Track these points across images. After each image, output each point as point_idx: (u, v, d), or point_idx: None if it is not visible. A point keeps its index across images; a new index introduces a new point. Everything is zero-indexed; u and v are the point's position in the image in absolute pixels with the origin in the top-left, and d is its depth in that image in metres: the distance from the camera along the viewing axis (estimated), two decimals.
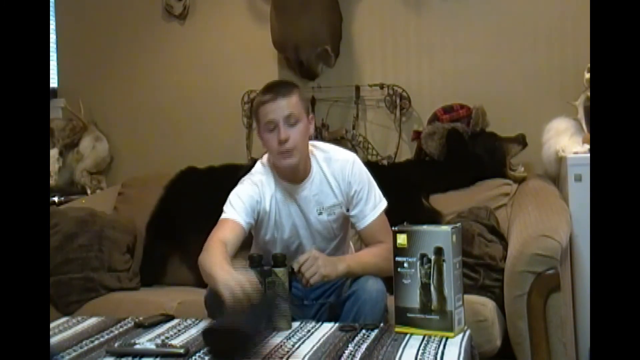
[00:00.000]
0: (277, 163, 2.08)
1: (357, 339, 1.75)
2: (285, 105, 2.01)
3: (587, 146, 2.61)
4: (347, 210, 2.12)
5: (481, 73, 3.10)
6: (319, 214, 2.10)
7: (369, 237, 2.11)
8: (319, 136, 3.09)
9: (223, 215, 2.06)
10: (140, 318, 2.02)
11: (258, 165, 2.18)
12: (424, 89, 3.18)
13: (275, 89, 2.06)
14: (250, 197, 2.08)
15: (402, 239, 1.79)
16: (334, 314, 2.03)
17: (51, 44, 3.69)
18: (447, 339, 1.71)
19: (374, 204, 2.12)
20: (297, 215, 2.12)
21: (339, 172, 2.11)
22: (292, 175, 2.10)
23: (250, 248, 2.24)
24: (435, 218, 2.68)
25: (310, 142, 2.16)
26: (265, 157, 2.17)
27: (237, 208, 2.06)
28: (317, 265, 1.91)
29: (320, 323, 1.91)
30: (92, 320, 2.07)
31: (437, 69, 3.18)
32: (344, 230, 2.20)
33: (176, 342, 1.79)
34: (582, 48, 2.79)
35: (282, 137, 2.00)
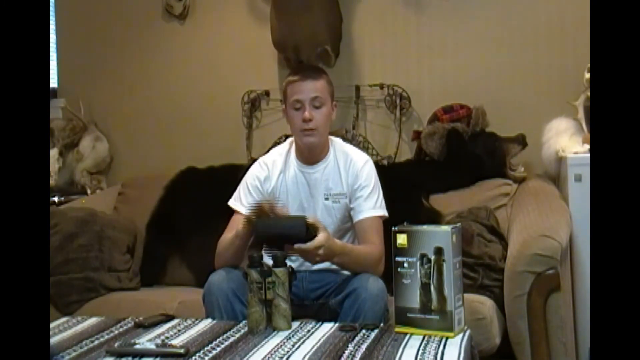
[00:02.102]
0: (299, 141, 2.20)
1: (357, 339, 1.74)
2: (313, 88, 2.15)
3: (587, 146, 2.61)
4: (350, 202, 2.19)
5: (481, 73, 3.10)
6: (325, 199, 2.19)
7: (361, 232, 2.17)
8: None
9: (232, 204, 2.24)
10: (140, 318, 2.02)
11: (280, 145, 2.35)
12: (424, 89, 3.18)
13: (306, 72, 2.22)
14: (254, 179, 2.24)
15: (402, 239, 1.79)
16: (334, 314, 2.04)
17: (51, 44, 3.69)
18: (447, 339, 1.71)
19: (373, 205, 2.17)
20: (305, 197, 2.20)
21: (350, 165, 2.22)
22: (309, 154, 2.21)
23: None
24: (435, 218, 2.68)
25: (334, 138, 2.32)
26: (289, 140, 2.31)
27: (244, 200, 2.21)
28: (317, 255, 1.95)
29: (320, 323, 1.91)
30: (92, 320, 2.07)
31: (437, 69, 3.18)
32: (347, 227, 2.21)
33: (176, 342, 1.79)
34: (582, 48, 2.78)
35: (306, 116, 2.13)
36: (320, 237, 1.93)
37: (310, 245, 1.92)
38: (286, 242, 1.93)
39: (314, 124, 2.14)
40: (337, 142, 2.29)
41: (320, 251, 1.94)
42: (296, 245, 1.93)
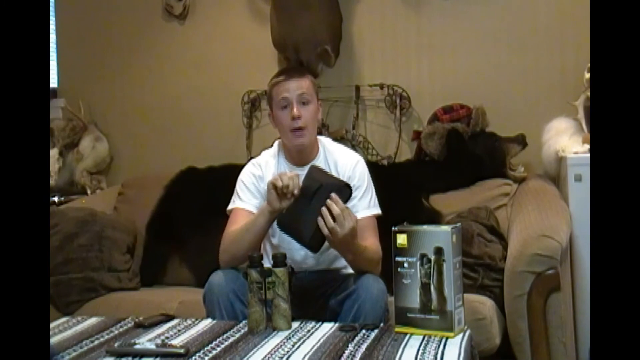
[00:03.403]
0: (289, 141, 2.18)
1: (357, 339, 1.74)
2: (298, 85, 2.15)
3: (587, 146, 2.61)
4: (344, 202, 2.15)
5: (481, 73, 3.10)
6: None
7: (357, 232, 2.13)
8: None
9: (231, 206, 2.19)
10: (140, 318, 2.02)
11: (268, 149, 2.32)
12: (424, 89, 3.18)
13: (290, 72, 2.22)
14: (250, 176, 2.21)
15: (402, 239, 1.79)
16: (334, 314, 2.03)
17: (51, 44, 3.70)
18: (447, 339, 1.71)
19: (367, 204, 2.17)
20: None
21: (341, 166, 2.20)
22: (299, 156, 2.19)
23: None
24: (435, 218, 2.68)
25: (322, 137, 2.29)
26: (276, 143, 2.29)
27: (242, 196, 2.19)
28: (343, 232, 1.90)
29: (320, 323, 1.91)
30: (92, 320, 2.07)
31: (437, 69, 3.18)
32: None
33: (176, 342, 1.78)
34: (582, 48, 2.79)
35: (295, 113, 2.11)
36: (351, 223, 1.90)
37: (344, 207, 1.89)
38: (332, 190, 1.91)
39: (303, 122, 2.12)
40: (326, 142, 2.28)
41: (350, 223, 1.89)
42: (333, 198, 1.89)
